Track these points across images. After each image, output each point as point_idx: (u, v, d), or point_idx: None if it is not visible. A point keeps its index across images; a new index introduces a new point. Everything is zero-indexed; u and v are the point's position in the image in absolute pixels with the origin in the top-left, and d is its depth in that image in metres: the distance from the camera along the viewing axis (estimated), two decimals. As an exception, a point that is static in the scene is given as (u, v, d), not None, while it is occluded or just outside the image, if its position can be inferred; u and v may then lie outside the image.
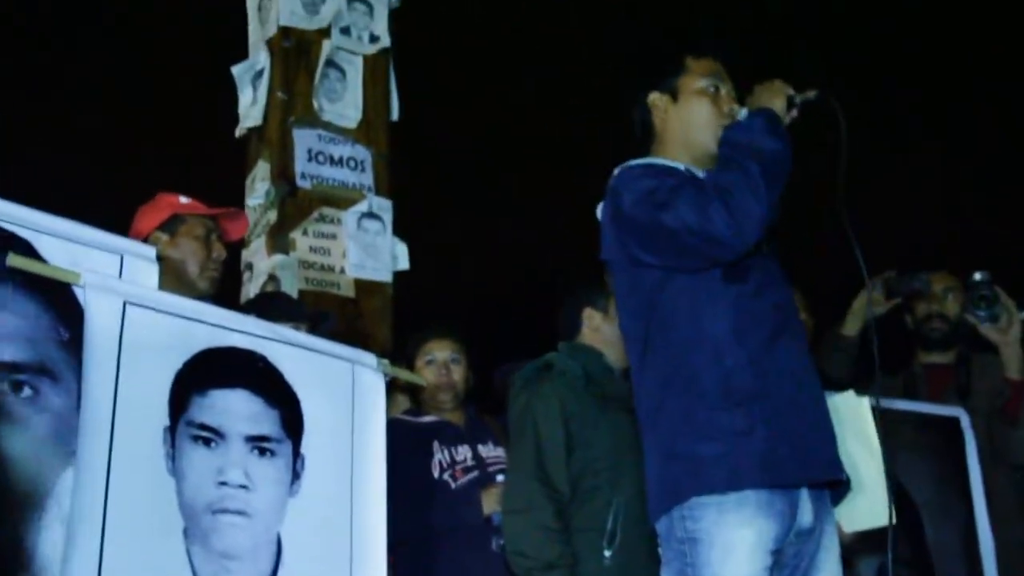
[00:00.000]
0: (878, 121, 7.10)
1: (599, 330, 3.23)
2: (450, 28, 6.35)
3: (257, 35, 3.96)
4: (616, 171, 2.51)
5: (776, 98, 2.44)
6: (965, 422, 3.51)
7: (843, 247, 2.43)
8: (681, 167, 2.47)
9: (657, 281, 2.38)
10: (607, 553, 2.91)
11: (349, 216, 3.73)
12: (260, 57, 3.84)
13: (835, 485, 2.38)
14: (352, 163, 3.81)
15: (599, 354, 3.20)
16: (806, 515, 2.29)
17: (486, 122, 6.91)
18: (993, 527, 3.42)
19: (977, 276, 3.53)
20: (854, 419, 2.63)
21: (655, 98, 2.57)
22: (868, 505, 2.52)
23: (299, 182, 3.71)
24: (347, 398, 2.50)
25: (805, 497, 2.29)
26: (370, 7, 3.92)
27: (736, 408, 2.26)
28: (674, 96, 2.55)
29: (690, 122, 2.51)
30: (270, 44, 3.86)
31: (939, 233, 7.09)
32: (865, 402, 2.67)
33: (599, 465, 2.98)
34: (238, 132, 3.98)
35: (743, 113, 2.47)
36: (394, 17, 4.02)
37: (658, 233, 2.32)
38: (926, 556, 3.39)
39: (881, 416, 2.78)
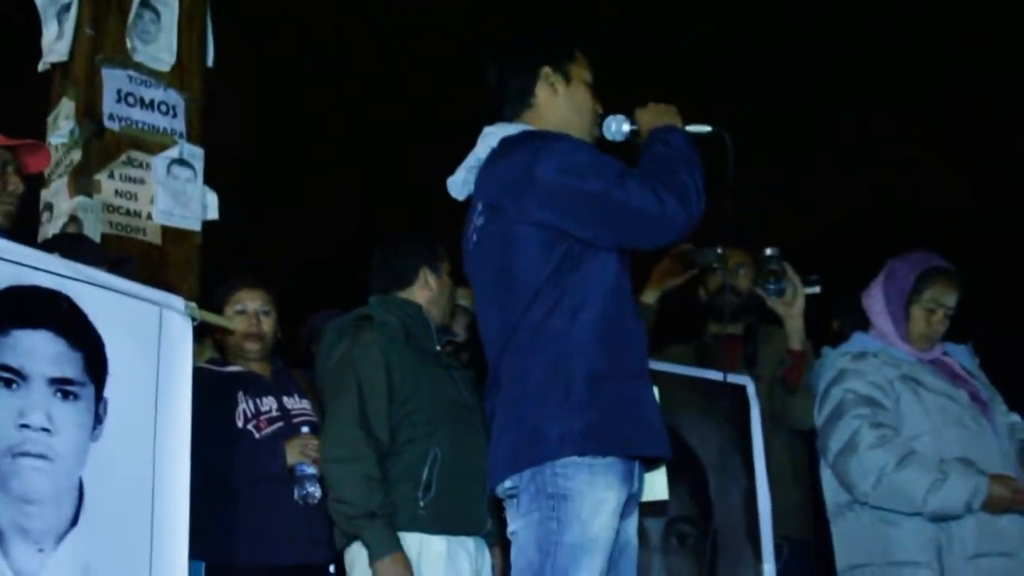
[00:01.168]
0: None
1: (429, 288, 3.29)
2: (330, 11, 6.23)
3: (64, -32, 3.79)
4: (517, 128, 2.58)
5: (676, 121, 2.62)
6: (751, 390, 3.72)
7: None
8: None
9: (560, 248, 2.46)
10: (421, 504, 2.97)
11: (159, 161, 3.63)
12: (68, -10, 3.69)
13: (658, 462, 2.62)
14: (164, 107, 3.70)
15: (419, 308, 3.25)
16: (636, 484, 2.49)
17: (305, 71, 6.81)
18: (771, 489, 3.66)
19: (767, 251, 3.74)
20: None
21: (548, 73, 2.65)
22: (651, 479, 2.72)
23: (107, 123, 3.57)
24: (153, 342, 2.46)
25: (637, 468, 2.50)
26: (189, -51, 3.82)
27: (624, 380, 2.43)
28: (567, 79, 2.65)
29: (576, 108, 2.64)
30: (79, -23, 3.70)
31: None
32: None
33: (417, 417, 3.02)
34: (41, 67, 3.81)
35: (620, 120, 2.68)
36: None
37: (603, 206, 2.42)
38: (708, 515, 3.60)
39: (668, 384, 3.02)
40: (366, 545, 2.90)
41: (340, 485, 2.95)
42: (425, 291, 3.28)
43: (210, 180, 3.84)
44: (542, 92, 2.64)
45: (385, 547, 2.88)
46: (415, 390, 3.05)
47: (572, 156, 2.44)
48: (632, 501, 2.49)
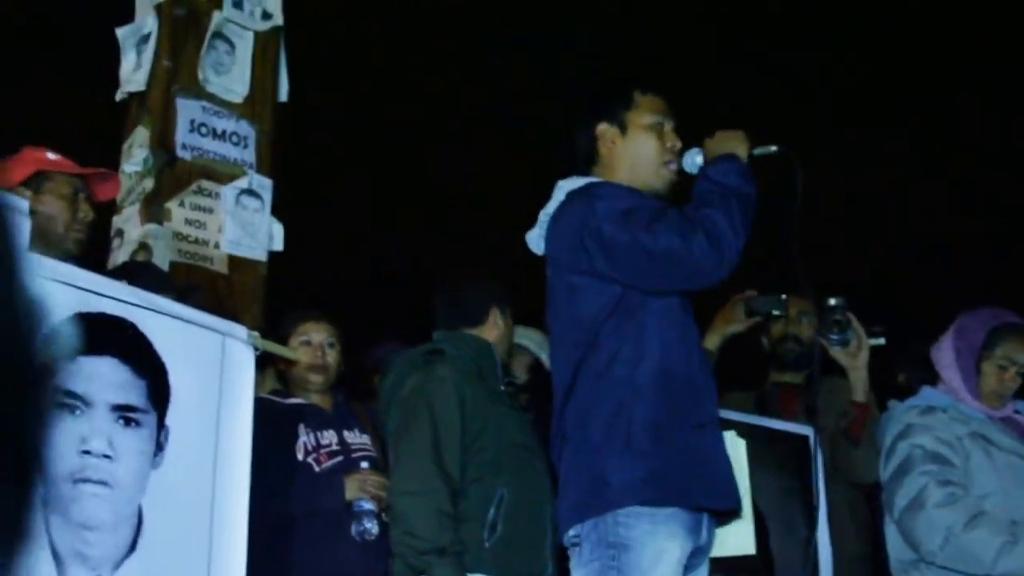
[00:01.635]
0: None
1: (498, 328, 3.30)
2: (344, 11, 6.30)
3: (145, 0, 3.87)
4: (583, 182, 2.63)
5: (740, 147, 2.61)
6: (813, 440, 3.66)
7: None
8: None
9: (615, 296, 2.50)
10: (487, 544, 2.94)
11: (228, 191, 3.68)
12: (148, 21, 3.76)
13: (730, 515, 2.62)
14: (235, 138, 3.75)
15: (489, 346, 3.25)
16: (703, 537, 2.49)
17: (371, 110, 6.88)
18: (831, 541, 3.59)
19: (832, 301, 3.68)
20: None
21: (604, 128, 2.70)
22: (733, 533, 2.68)
23: (179, 152, 3.64)
24: (216, 370, 2.48)
25: (706, 520, 2.50)
26: (265, -17, 3.88)
27: (687, 429, 2.44)
28: (623, 129, 2.68)
29: (637, 156, 2.66)
30: (159, 9, 3.77)
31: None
32: (735, 437, 2.85)
33: (484, 456, 3.00)
34: (119, 96, 3.88)
35: (694, 154, 2.66)
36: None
37: (633, 252, 2.45)
38: (770, 566, 3.53)
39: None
40: None
41: (412, 518, 2.91)
42: (494, 330, 3.29)
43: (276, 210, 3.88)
44: (603, 147, 2.70)
45: None
46: (484, 428, 3.03)
47: (613, 205, 2.49)
48: (699, 554, 2.47)
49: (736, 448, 2.80)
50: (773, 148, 2.65)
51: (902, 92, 7.25)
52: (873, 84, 7.29)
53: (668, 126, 2.69)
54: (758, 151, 2.64)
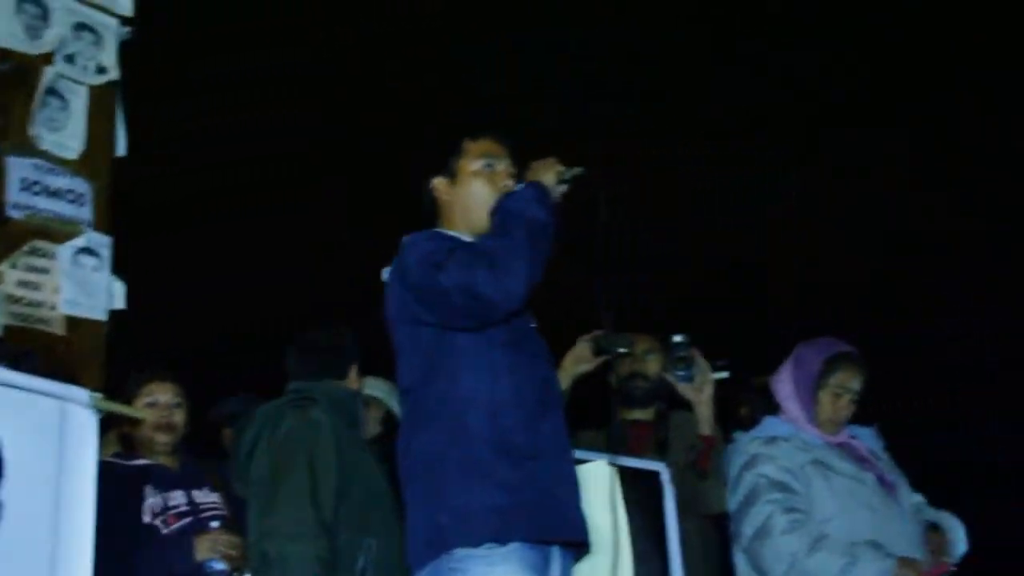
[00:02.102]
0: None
1: (357, 382, 3.30)
2: (182, 62, 6.19)
3: (-31, 54, 3.74)
4: (406, 238, 2.64)
5: (548, 173, 2.64)
6: (665, 476, 3.73)
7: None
8: (466, 238, 2.64)
9: (435, 338, 2.52)
10: None
11: (64, 250, 3.54)
12: (-28, 78, 3.63)
13: (580, 546, 2.56)
14: (71, 195, 3.63)
15: (356, 395, 3.24)
16: (555, 571, 2.45)
17: (215, 162, 6.77)
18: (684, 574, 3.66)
19: (677, 338, 3.79)
20: (601, 487, 2.77)
21: (437, 182, 2.75)
22: (591, 567, 2.68)
23: (10, 212, 3.48)
24: (55, 438, 2.38)
25: (556, 554, 2.46)
26: (99, 36, 3.77)
27: (509, 465, 2.40)
28: (453, 177, 2.73)
29: (467, 200, 2.69)
30: (-16, 65, 3.65)
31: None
32: (614, 474, 2.82)
33: (354, 504, 2.98)
34: (-58, 154, 3.73)
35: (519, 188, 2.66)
36: (124, 49, 3.89)
37: (432, 292, 2.46)
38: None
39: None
40: None
41: (291, 564, 2.84)
42: (355, 383, 3.31)
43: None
44: (440, 199, 2.76)
45: None
46: (354, 475, 3.00)
47: (419, 251, 2.54)
48: None
49: (600, 480, 2.77)
50: (579, 169, 2.68)
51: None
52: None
53: (500, 166, 2.71)
54: (567, 174, 2.67)
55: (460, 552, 2.34)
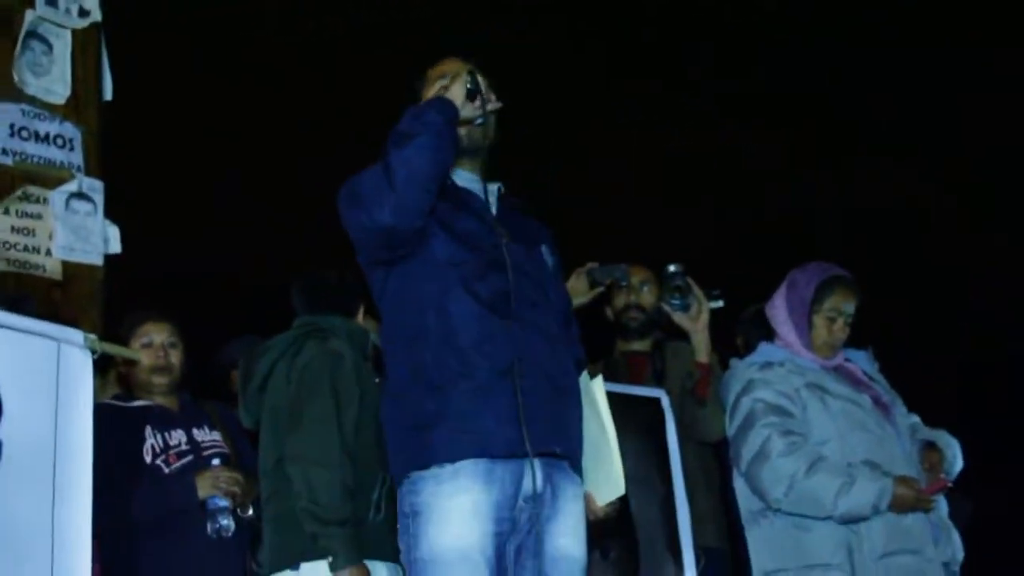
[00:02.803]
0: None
1: (365, 322, 3.33)
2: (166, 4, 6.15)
3: (-51, 1, 3.71)
4: None
5: (455, 85, 2.55)
6: (665, 402, 3.76)
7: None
8: None
9: (382, 275, 2.56)
10: (370, 522, 2.95)
11: (56, 196, 3.56)
12: (-44, 24, 3.61)
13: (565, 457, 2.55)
14: (60, 141, 3.63)
15: (367, 334, 3.25)
16: (534, 482, 2.45)
17: (206, 104, 6.74)
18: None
19: (671, 268, 3.79)
20: (588, 399, 2.78)
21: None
22: (604, 479, 2.70)
23: (0, 158, 3.51)
24: (51, 379, 2.40)
25: (537, 465, 2.45)
26: (80, -21, 3.76)
27: (448, 388, 2.42)
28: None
29: None
30: (-32, 11, 3.63)
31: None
32: (598, 382, 2.81)
33: (369, 436, 2.98)
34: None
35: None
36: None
37: (349, 232, 2.54)
38: (630, 527, 3.62)
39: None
40: (332, 553, 2.83)
41: (317, 488, 2.86)
42: (365, 323, 3.31)
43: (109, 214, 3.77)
44: None
45: (353, 556, 2.84)
46: (370, 408, 3.01)
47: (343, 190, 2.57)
48: (542, 501, 2.47)
49: (591, 389, 2.77)
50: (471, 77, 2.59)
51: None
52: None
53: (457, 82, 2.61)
54: (468, 82, 2.56)
55: (414, 475, 2.42)
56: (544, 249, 2.74)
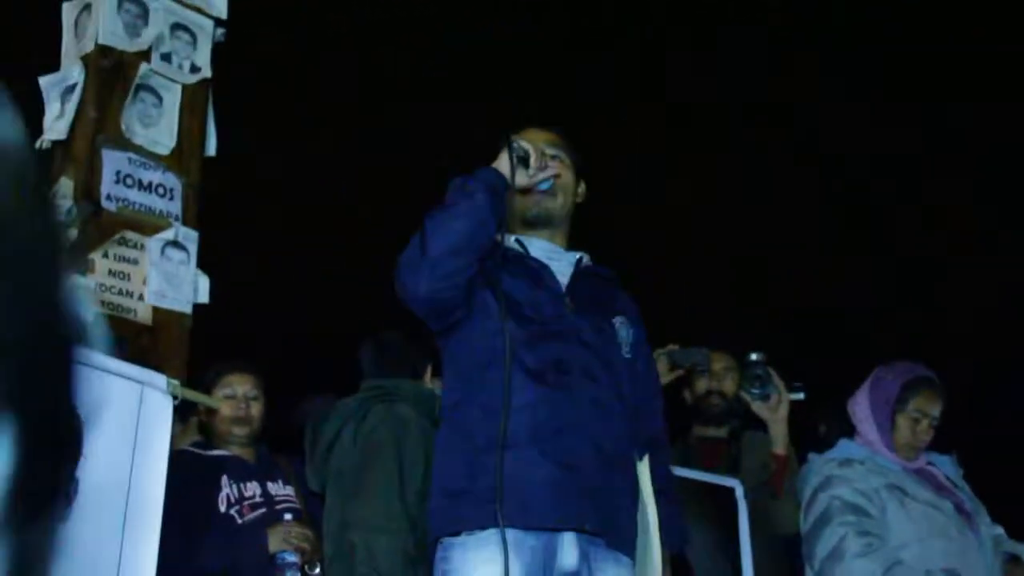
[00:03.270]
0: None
1: (432, 384, 3.33)
2: (273, 66, 6.33)
3: (71, 49, 3.85)
4: None
5: (502, 155, 2.53)
6: (739, 492, 3.71)
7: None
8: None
9: (444, 342, 2.59)
10: None
11: (153, 243, 3.65)
12: (73, 72, 3.75)
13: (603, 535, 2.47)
14: (161, 190, 3.74)
15: (434, 396, 3.26)
16: (568, 558, 2.40)
17: (304, 163, 6.90)
18: (756, 593, 3.62)
19: (753, 356, 3.76)
20: (644, 481, 2.73)
21: None
22: (646, 562, 2.63)
23: (104, 203, 3.61)
24: (132, 419, 2.45)
25: (569, 540, 2.41)
26: (194, 37, 3.89)
27: (484, 456, 2.39)
28: None
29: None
30: (86, 60, 3.77)
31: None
32: (643, 464, 2.76)
33: None
34: (40, 144, 3.86)
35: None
36: (218, 51, 4.00)
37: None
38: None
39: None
40: None
41: (378, 555, 2.87)
42: (430, 385, 3.32)
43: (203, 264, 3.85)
44: None
45: None
46: None
47: None
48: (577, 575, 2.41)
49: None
50: (520, 143, 2.56)
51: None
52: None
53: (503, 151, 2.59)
54: (516, 151, 2.53)
55: (445, 541, 2.40)
56: (619, 321, 2.68)
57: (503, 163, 2.52)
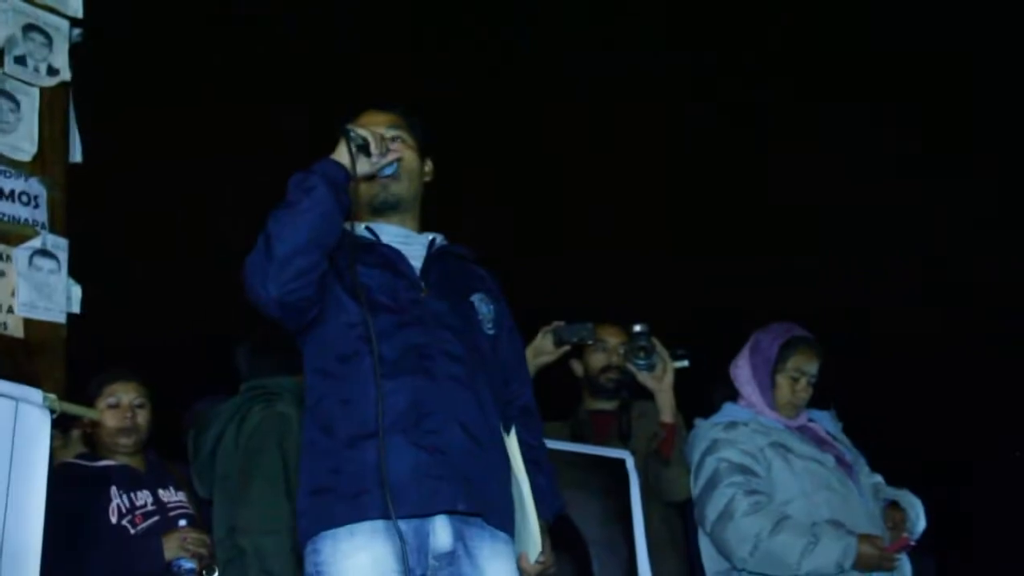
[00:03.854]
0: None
1: None
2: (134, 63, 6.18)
3: (-85, 56, 3.71)
4: None
5: (340, 144, 2.50)
6: (630, 463, 3.76)
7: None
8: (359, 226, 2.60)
9: (301, 342, 2.54)
10: None
11: (20, 253, 3.53)
12: (-77, 81, 3.61)
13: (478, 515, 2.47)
14: (25, 198, 3.62)
15: None
16: (441, 539, 2.39)
17: (171, 164, 6.76)
18: (650, 560, 3.69)
19: (637, 328, 3.82)
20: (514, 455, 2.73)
21: None
22: (528, 535, 2.65)
23: (-36, 216, 3.49)
24: (6, 438, 2.37)
25: (441, 523, 2.40)
26: (49, 38, 3.76)
27: (345, 451, 2.38)
28: None
29: None
30: (-65, 68, 3.63)
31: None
32: (511, 437, 2.76)
33: None
34: None
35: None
36: (75, 52, 3.87)
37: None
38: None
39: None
40: None
41: (268, 557, 2.84)
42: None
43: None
44: None
45: None
46: None
47: None
48: (451, 559, 2.40)
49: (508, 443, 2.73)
50: (357, 131, 2.51)
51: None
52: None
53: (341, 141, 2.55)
54: (353, 140, 2.48)
55: (314, 536, 2.37)
56: (478, 298, 2.66)
57: (342, 153, 2.47)
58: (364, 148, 2.48)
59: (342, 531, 2.33)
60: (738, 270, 7.80)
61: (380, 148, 2.52)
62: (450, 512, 2.40)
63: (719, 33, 7.14)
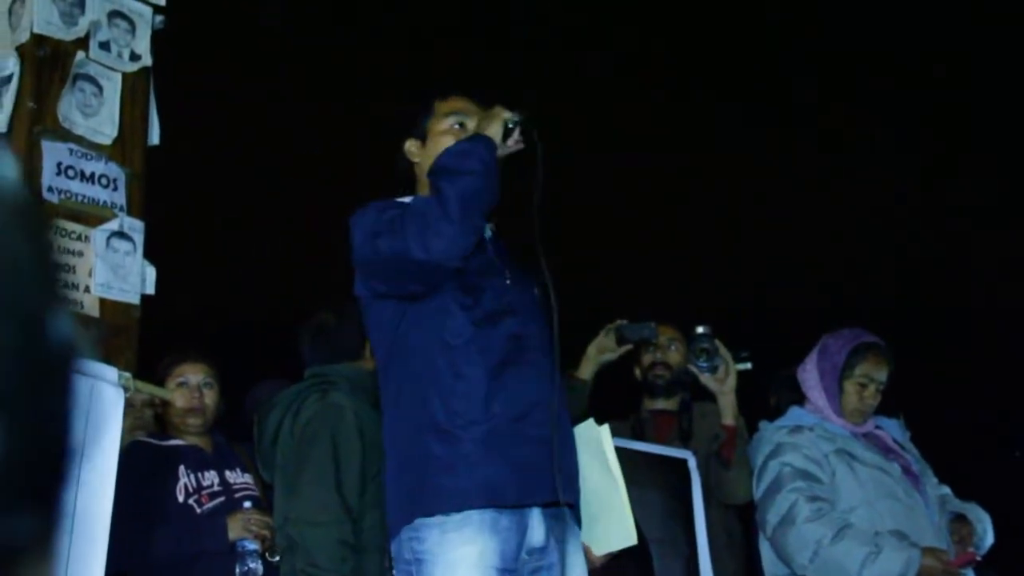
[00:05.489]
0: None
1: (372, 360, 3.30)
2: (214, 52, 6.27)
3: (6, 39, 3.78)
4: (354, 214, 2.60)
5: (493, 124, 2.54)
6: (692, 463, 3.75)
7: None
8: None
9: (395, 313, 2.52)
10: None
11: (98, 234, 3.60)
12: (9, 63, 3.68)
13: (570, 506, 2.52)
14: (104, 180, 3.69)
15: (372, 374, 3.25)
16: (536, 533, 2.43)
17: (245, 151, 6.84)
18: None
19: (699, 329, 3.80)
20: (595, 447, 2.75)
21: (409, 144, 2.71)
22: (613, 528, 2.66)
23: (46, 195, 3.55)
24: (82, 416, 2.43)
25: (537, 516, 2.43)
26: (132, 24, 3.83)
27: (458, 434, 2.39)
28: (423, 139, 2.68)
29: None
30: (21, 50, 3.70)
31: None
32: (605, 430, 2.78)
33: (379, 484, 2.97)
34: (-20, 139, 3.80)
35: None
36: (158, 38, 3.94)
37: (375, 263, 2.47)
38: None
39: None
40: None
41: (314, 549, 2.86)
42: (370, 362, 3.29)
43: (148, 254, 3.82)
44: (412, 162, 2.71)
45: None
46: (379, 455, 3.01)
47: (362, 222, 2.51)
48: (545, 552, 2.44)
49: (592, 442, 2.72)
50: (516, 115, 2.55)
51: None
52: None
53: (471, 123, 2.62)
54: (511, 122, 2.53)
55: (418, 522, 2.38)
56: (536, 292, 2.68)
57: (497, 132, 2.52)
58: (510, 133, 2.54)
59: (451, 520, 2.35)
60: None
61: (514, 136, 2.56)
62: (547, 505, 2.43)
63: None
